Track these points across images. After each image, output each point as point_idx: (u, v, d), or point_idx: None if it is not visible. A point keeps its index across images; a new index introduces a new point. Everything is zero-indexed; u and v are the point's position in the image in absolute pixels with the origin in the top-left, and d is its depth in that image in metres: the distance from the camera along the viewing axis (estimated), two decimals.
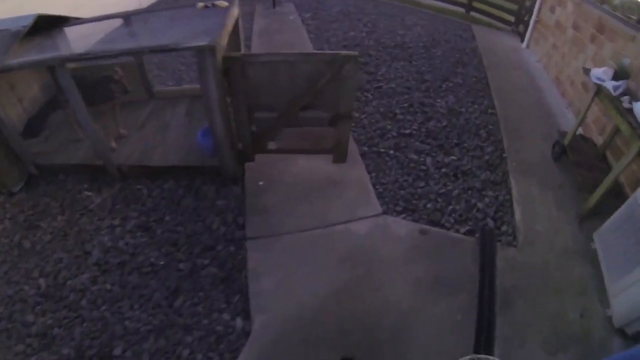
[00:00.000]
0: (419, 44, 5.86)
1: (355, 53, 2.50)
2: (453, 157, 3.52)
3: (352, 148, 3.50)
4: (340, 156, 3.09)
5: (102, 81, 3.13)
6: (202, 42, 2.35)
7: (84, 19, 3.47)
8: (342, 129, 2.85)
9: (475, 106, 4.36)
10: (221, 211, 3.01)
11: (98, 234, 2.79)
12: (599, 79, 3.10)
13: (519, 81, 5.19)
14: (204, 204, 3.07)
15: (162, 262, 2.60)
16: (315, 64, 2.49)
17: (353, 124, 3.88)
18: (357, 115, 4.00)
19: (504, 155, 3.64)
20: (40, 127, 3.64)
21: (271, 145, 3.14)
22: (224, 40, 2.57)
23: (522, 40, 6.43)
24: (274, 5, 7.41)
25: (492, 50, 6.03)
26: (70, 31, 3.25)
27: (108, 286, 2.45)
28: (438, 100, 4.39)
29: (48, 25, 3.19)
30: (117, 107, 3.48)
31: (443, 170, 3.38)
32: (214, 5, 3.21)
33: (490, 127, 4.02)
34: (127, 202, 3.07)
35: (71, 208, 3.02)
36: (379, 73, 4.92)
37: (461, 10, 7.50)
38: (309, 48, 5.64)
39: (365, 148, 3.56)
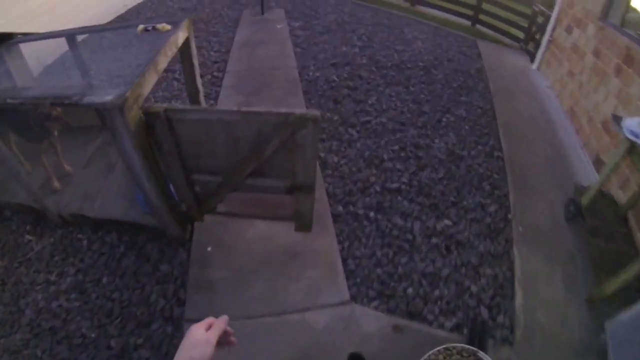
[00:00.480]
0: (418, 64, 5.21)
1: (316, 113, 1.87)
2: (447, 222, 2.89)
3: (324, 207, 2.89)
4: (303, 226, 2.47)
5: (37, 119, 2.66)
6: (107, 98, 1.75)
7: (30, 35, 3.03)
8: (302, 201, 2.22)
9: (480, 147, 3.72)
10: (163, 279, 2.63)
11: (33, 289, 2.57)
12: (632, 133, 2.47)
13: (528, 112, 4.56)
14: (146, 268, 2.69)
15: (93, 335, 2.34)
16: (259, 125, 1.87)
17: (330, 172, 3.27)
18: (335, 160, 3.38)
19: (508, 216, 3.03)
20: None
21: (220, 207, 2.55)
22: (146, 87, 1.96)
23: (532, 60, 5.76)
24: (262, 12, 6.78)
25: (499, 72, 5.38)
26: (9, 52, 2.79)
27: (38, 353, 2.24)
28: (436, 141, 3.74)
29: None
30: (58, 143, 2.99)
31: (433, 240, 2.75)
32: (154, 28, 2.60)
33: (496, 176, 3.39)
34: (66, 253, 2.77)
35: (11, 254, 2.79)
36: (369, 102, 4.27)
37: (466, 22, 6.81)
38: (291, 65, 5.01)
39: (340, 208, 2.94)
